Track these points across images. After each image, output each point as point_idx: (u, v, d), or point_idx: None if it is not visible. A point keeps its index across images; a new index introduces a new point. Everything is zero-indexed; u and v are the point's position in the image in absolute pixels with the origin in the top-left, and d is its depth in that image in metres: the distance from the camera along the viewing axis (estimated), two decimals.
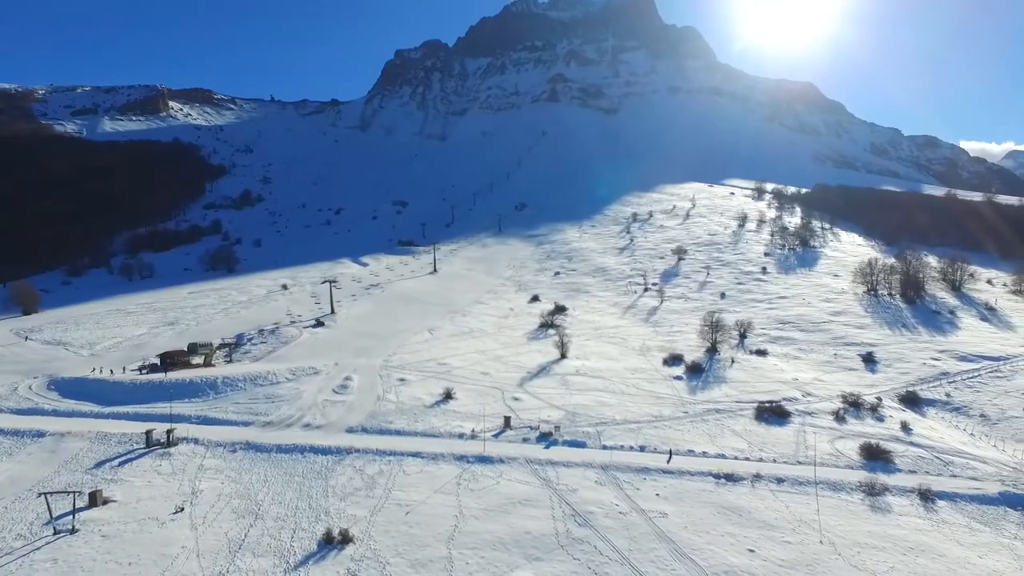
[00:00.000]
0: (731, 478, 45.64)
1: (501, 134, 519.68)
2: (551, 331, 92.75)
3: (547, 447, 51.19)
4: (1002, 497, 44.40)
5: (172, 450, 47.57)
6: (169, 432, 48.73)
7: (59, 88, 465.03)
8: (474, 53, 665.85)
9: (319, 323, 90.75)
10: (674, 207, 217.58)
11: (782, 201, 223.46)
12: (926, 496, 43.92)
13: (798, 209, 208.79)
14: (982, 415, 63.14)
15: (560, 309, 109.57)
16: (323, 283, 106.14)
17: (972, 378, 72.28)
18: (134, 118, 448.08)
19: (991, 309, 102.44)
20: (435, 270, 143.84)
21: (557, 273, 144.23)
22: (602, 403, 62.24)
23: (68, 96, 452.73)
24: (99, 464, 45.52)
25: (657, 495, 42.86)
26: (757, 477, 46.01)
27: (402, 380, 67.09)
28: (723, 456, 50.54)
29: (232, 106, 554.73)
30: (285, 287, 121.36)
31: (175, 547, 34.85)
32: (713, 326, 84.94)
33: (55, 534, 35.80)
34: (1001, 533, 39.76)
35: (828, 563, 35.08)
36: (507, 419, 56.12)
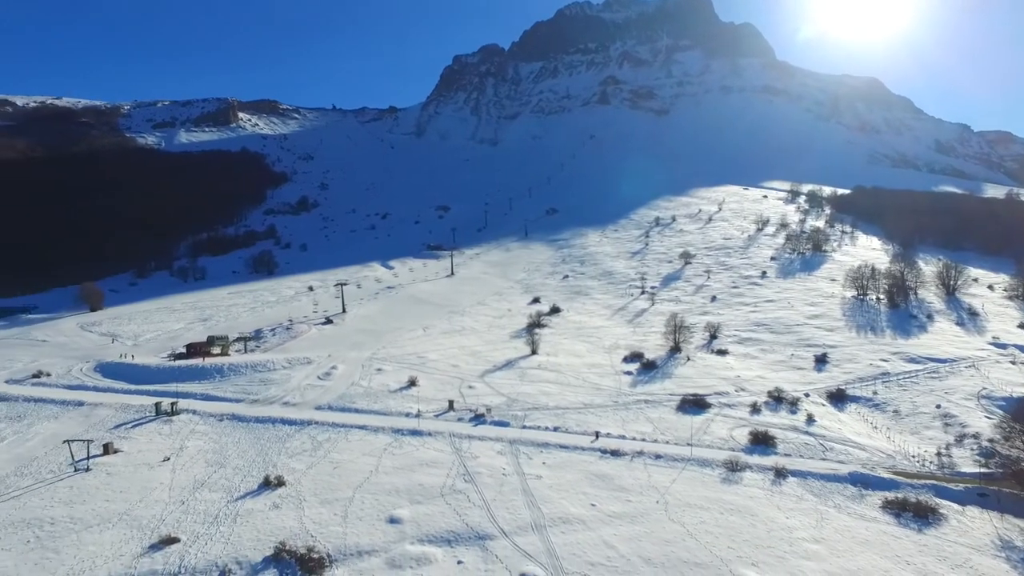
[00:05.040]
0: (616, 453, 54.04)
1: (550, 138, 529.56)
2: (537, 330, 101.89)
3: (475, 425, 60.95)
4: (850, 476, 50.85)
5: (174, 418, 60.47)
6: (173, 404, 61.80)
7: (142, 103, 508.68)
8: (528, 57, 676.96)
9: (328, 320, 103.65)
10: (699, 211, 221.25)
11: (813, 204, 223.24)
12: (780, 473, 50.86)
13: (827, 212, 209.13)
14: (895, 411, 68.16)
15: (555, 310, 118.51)
16: (336, 285, 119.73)
17: (908, 378, 76.62)
18: (207, 129, 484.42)
19: (974, 314, 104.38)
20: (452, 273, 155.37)
21: (566, 276, 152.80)
22: (544, 392, 71.26)
23: (150, 110, 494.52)
24: (118, 426, 58.94)
25: (544, 463, 51.90)
26: (639, 453, 54.22)
27: (379, 370, 78.31)
28: (624, 437, 58.80)
29: (296, 115, 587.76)
30: (311, 288, 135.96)
31: (155, 483, 46.99)
32: (676, 327, 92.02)
33: (75, 471, 48.70)
34: (823, 502, 46.61)
35: (650, 516, 43.35)
36: (451, 402, 66.19)
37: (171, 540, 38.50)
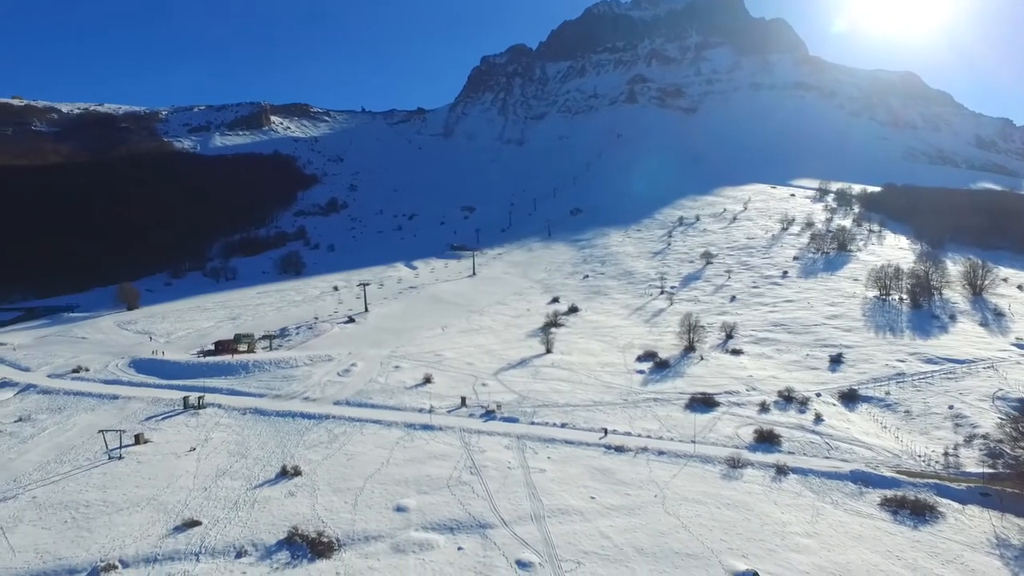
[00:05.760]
0: (620, 449, 55.43)
1: (577, 137, 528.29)
2: (553, 329, 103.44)
3: (485, 421, 62.92)
4: (851, 474, 51.34)
5: (201, 411, 64.05)
6: (200, 399, 65.40)
7: (179, 108, 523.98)
8: (555, 57, 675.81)
9: (350, 319, 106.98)
10: (724, 210, 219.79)
11: (841, 202, 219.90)
12: (781, 470, 51.60)
13: (855, 211, 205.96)
14: (907, 411, 67.94)
15: (573, 310, 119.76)
16: (358, 286, 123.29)
17: (923, 379, 76.08)
18: (240, 133, 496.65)
19: (1000, 314, 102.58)
20: (473, 273, 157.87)
21: (586, 276, 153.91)
22: (555, 390, 72.84)
23: (186, 115, 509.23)
24: (149, 418, 62.75)
25: (548, 458, 53.62)
26: (643, 450, 55.49)
27: (397, 367, 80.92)
28: (630, 434, 60.17)
29: (327, 118, 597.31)
30: (336, 288, 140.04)
31: (181, 471, 50.19)
32: (690, 327, 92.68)
33: (109, 459, 52.39)
34: (820, 499, 47.33)
35: (647, 508, 44.77)
36: (463, 399, 68.32)
37: (194, 523, 41.43)
